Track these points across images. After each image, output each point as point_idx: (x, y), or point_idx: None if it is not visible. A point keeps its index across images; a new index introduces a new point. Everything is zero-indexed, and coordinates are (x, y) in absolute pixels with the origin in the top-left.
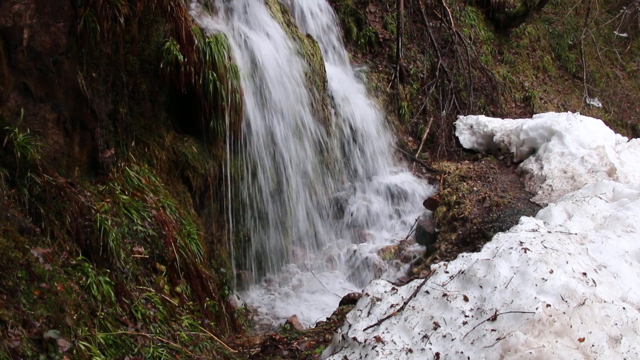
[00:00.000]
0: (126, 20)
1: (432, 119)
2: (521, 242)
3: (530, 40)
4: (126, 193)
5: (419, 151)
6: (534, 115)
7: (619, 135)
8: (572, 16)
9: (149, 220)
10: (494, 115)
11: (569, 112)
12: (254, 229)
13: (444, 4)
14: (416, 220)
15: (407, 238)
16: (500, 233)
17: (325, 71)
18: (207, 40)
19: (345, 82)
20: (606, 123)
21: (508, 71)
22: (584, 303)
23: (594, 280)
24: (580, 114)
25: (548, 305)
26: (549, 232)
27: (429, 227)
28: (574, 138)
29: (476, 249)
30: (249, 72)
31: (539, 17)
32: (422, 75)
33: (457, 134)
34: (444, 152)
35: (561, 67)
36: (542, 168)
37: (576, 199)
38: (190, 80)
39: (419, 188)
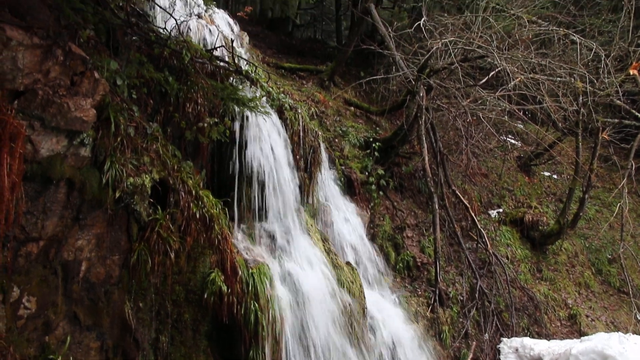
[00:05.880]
0: (176, 254)
1: (474, 342)
2: None
3: (568, 256)
4: None
5: None
6: (582, 337)
7: None
8: (607, 230)
9: None
10: (539, 335)
11: (620, 332)
12: None
13: (479, 226)
14: None
15: None
16: None
17: (364, 297)
18: (250, 271)
19: (385, 307)
20: None
21: (549, 289)
22: None
23: None
24: (633, 332)
25: None
26: None
27: None
28: None
29: None
30: (290, 302)
31: (573, 233)
32: (461, 298)
33: (502, 358)
34: None
35: (604, 282)
36: None
37: None
38: (232, 310)
39: None
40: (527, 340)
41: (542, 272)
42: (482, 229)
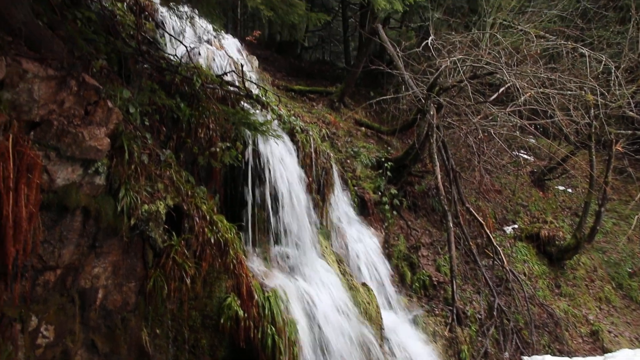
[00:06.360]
0: (192, 280)
1: None
2: None
3: (587, 271)
4: None
5: None
6: (605, 354)
7: None
8: (626, 243)
9: None
10: (561, 353)
11: None
12: None
13: (494, 243)
14: None
15: None
16: None
17: (381, 318)
18: (266, 294)
19: (402, 328)
20: None
21: (569, 305)
22: None
23: None
24: None
25: None
26: None
27: None
28: None
29: None
30: (307, 324)
31: (591, 247)
32: (479, 316)
33: None
34: None
35: (625, 297)
36: None
37: None
38: (249, 334)
39: None
40: (548, 358)
41: (560, 287)
42: (497, 246)
